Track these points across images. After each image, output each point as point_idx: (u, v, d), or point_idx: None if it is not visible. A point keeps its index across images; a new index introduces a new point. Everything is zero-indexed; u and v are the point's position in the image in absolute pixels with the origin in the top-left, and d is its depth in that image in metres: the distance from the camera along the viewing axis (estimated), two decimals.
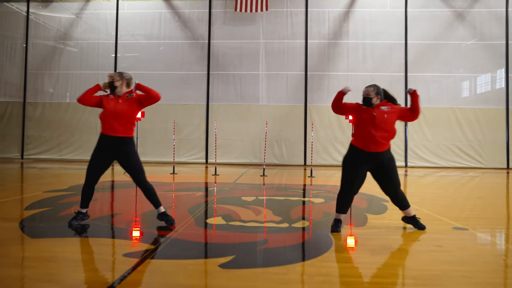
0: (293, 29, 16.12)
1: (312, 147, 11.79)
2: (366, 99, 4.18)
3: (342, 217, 4.25)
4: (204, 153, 16.09)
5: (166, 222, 4.31)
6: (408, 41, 15.61)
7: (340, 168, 4.36)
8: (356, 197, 6.53)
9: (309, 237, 4.06)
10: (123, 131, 4.19)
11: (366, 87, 4.24)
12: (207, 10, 16.31)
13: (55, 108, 16.58)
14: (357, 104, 4.29)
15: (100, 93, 4.40)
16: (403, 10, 15.71)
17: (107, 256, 3.25)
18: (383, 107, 4.18)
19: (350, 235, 4.07)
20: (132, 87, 4.30)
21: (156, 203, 4.38)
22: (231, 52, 16.21)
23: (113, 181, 9.08)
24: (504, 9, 15.37)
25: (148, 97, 4.21)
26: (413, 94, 4.25)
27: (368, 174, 4.25)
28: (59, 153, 16.38)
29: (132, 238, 3.93)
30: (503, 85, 15.37)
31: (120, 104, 4.21)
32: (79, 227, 4.20)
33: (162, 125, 15.89)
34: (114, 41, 16.55)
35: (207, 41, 16.26)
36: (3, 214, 4.91)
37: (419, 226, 4.28)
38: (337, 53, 15.95)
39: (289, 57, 16.10)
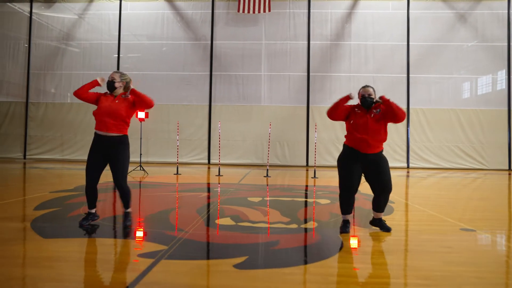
0: (296, 30, 16.17)
1: (315, 148, 11.82)
2: (368, 100, 4.15)
3: (349, 217, 4.28)
4: (206, 153, 16.12)
5: (127, 222, 4.33)
6: (410, 43, 15.65)
7: None
8: (361, 199, 6.60)
9: (319, 238, 4.09)
10: (115, 129, 4.23)
11: (364, 87, 4.21)
12: (210, 11, 16.34)
13: (58, 108, 16.60)
14: (352, 107, 4.28)
15: (99, 90, 4.46)
16: (405, 12, 15.76)
17: (122, 257, 3.28)
18: (375, 110, 4.16)
19: (359, 236, 4.11)
20: (129, 90, 4.34)
21: (127, 204, 4.38)
22: (233, 53, 16.25)
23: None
24: (506, 11, 15.43)
25: (141, 103, 4.29)
26: (384, 102, 4.09)
27: None
28: (62, 153, 16.40)
29: (143, 238, 3.96)
30: (504, 86, 15.42)
31: (116, 103, 4.27)
32: (89, 227, 4.23)
33: (165, 125, 15.94)
34: (117, 42, 16.58)
35: (209, 42, 16.29)
36: (14, 214, 4.94)
37: (386, 228, 4.25)
38: (339, 55, 15.99)
39: (291, 58, 16.14)
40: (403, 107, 15.43)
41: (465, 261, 3.25)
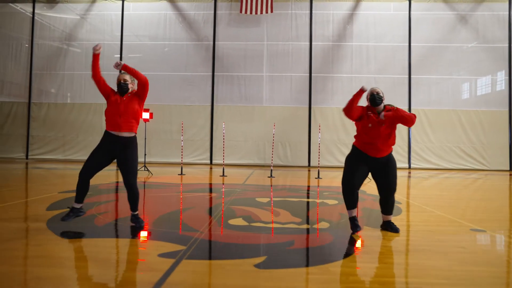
0: (298, 31, 16.24)
1: (319, 149, 11.88)
2: (376, 98, 4.20)
3: (354, 213, 4.31)
4: (208, 154, 16.16)
5: (136, 224, 4.37)
6: (411, 44, 15.75)
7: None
8: (369, 199, 6.67)
9: (333, 239, 4.14)
10: (127, 128, 4.27)
11: (371, 88, 4.30)
12: (212, 12, 16.40)
13: (60, 109, 16.62)
14: (365, 109, 4.32)
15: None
16: (407, 13, 15.86)
17: (143, 257, 3.32)
18: (386, 112, 4.19)
19: (372, 237, 4.16)
20: (120, 66, 4.33)
21: (135, 207, 4.41)
22: (236, 54, 16.31)
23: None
24: (507, 13, 15.54)
25: (138, 82, 4.32)
26: (388, 117, 4.14)
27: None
28: (64, 153, 16.42)
29: (161, 239, 4.00)
30: (504, 87, 15.53)
31: (125, 101, 4.32)
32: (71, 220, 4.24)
33: (167, 126, 15.98)
34: (119, 42, 16.61)
35: (212, 43, 16.34)
36: (28, 214, 4.98)
37: (394, 230, 4.29)
38: (341, 55, 16.07)
39: (293, 59, 16.21)
40: (405, 108, 15.54)
41: (481, 261, 3.30)
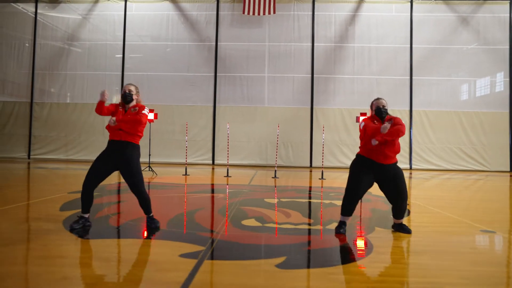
0: (300, 32, 16.32)
1: (323, 149, 11.96)
2: (382, 112, 4.36)
3: (347, 220, 4.42)
4: (210, 154, 16.21)
5: (151, 225, 4.46)
6: (413, 45, 15.86)
7: (346, 170, 4.53)
8: (374, 200, 6.75)
9: (348, 239, 4.21)
10: (129, 137, 4.32)
11: (378, 99, 4.45)
12: (215, 13, 16.45)
13: (62, 109, 16.64)
14: (369, 119, 4.43)
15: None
16: (408, 14, 15.96)
17: (165, 257, 3.38)
18: (388, 122, 4.30)
19: (385, 238, 4.24)
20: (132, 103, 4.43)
21: (148, 210, 4.49)
22: (238, 55, 16.37)
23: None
24: (508, 15, 15.68)
25: (131, 127, 4.33)
26: (387, 137, 4.20)
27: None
28: (66, 153, 16.44)
29: (177, 239, 4.06)
30: (503, 88, 15.66)
31: (127, 114, 4.36)
32: (80, 230, 4.21)
33: (169, 126, 16.03)
34: (121, 43, 16.63)
35: (214, 43, 16.40)
36: (43, 215, 5.03)
37: (407, 231, 4.38)
38: (343, 57, 16.16)
39: (295, 60, 16.29)
40: (406, 109, 15.66)
41: (494, 262, 3.39)
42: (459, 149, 15.58)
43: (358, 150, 4.54)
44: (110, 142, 4.36)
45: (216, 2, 16.48)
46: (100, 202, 6.08)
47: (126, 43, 16.67)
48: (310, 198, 7.36)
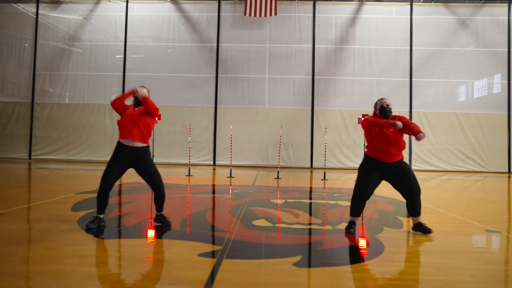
0: (301, 33, 16.44)
1: (325, 150, 12.07)
2: (387, 110, 4.47)
3: (356, 220, 4.53)
4: (212, 155, 16.30)
5: (163, 223, 4.64)
6: (413, 47, 16.02)
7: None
8: (380, 201, 6.87)
9: (358, 239, 4.32)
10: (139, 138, 4.42)
11: (382, 99, 4.56)
12: (216, 14, 16.55)
13: (63, 109, 16.67)
14: (373, 117, 4.54)
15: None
16: (408, 17, 16.12)
17: (183, 256, 3.47)
18: (398, 121, 4.41)
19: (395, 237, 4.34)
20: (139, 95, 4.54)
21: (161, 207, 4.71)
22: (239, 56, 16.47)
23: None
24: (507, 17, 15.87)
25: (148, 109, 4.49)
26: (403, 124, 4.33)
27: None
28: (67, 153, 16.47)
29: (192, 239, 4.14)
30: (500, 90, 15.84)
31: (137, 112, 4.51)
32: (96, 230, 4.29)
33: (170, 127, 16.12)
34: (122, 43, 16.69)
35: (215, 45, 16.49)
36: (55, 215, 5.10)
37: (427, 231, 4.44)
38: (343, 58, 16.30)
39: (296, 61, 16.42)
40: (406, 110, 15.81)
41: (502, 261, 3.50)
42: (458, 150, 15.74)
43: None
44: (124, 146, 4.42)
45: (217, 3, 16.58)
46: (112, 202, 6.14)
47: (127, 44, 16.73)
48: (315, 198, 7.46)
